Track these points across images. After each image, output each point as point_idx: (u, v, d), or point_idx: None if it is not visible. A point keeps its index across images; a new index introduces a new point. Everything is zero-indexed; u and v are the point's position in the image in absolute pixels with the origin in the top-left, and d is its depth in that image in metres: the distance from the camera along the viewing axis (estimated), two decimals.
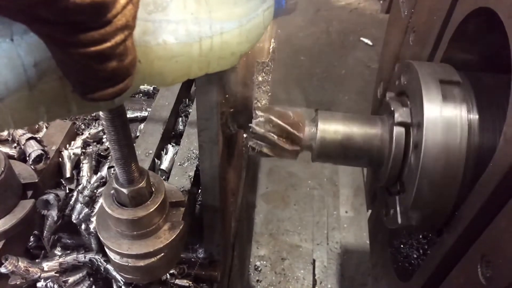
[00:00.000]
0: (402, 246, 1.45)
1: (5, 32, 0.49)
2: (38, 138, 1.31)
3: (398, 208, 1.13)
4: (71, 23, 0.42)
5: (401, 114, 1.11)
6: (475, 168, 0.98)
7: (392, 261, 1.45)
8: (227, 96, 1.06)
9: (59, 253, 1.27)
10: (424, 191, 1.01)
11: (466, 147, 0.98)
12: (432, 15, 1.32)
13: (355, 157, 1.14)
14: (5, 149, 1.30)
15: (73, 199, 1.29)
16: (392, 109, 1.13)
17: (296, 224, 2.79)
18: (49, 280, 1.21)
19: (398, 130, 1.09)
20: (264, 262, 2.58)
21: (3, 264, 1.11)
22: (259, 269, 2.54)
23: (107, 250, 1.01)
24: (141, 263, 0.99)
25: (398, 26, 1.73)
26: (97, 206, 1.25)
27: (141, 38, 0.56)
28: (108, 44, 0.46)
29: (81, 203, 1.26)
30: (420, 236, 1.41)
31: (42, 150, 1.26)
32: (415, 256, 1.39)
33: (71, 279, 1.21)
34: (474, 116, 1.01)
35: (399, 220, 1.12)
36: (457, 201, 1.00)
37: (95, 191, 1.30)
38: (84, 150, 1.43)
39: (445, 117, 0.99)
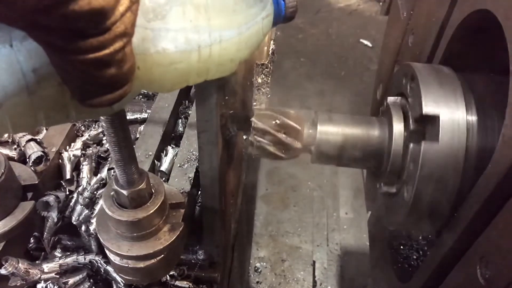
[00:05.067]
0: (401, 247, 1.45)
1: (4, 38, 0.49)
2: (38, 140, 1.31)
3: (397, 209, 1.13)
4: (70, 30, 0.43)
5: (400, 117, 1.11)
6: (474, 169, 0.98)
7: (391, 262, 1.45)
8: (226, 98, 1.07)
9: (59, 255, 1.27)
10: (422, 192, 1.01)
11: (465, 148, 0.98)
12: (430, 17, 1.33)
13: (354, 159, 1.15)
14: (5, 151, 1.31)
15: (73, 200, 1.30)
16: (391, 112, 1.13)
17: (296, 225, 2.79)
18: (49, 281, 1.21)
19: (397, 132, 1.09)
20: (264, 264, 2.58)
21: (3, 265, 1.11)
22: (259, 270, 2.55)
23: (107, 251, 1.01)
24: (141, 264, 0.99)
25: (397, 28, 1.73)
26: (97, 208, 1.25)
27: (140, 45, 0.57)
28: (107, 51, 0.46)
29: (81, 205, 1.26)
30: (420, 238, 1.41)
31: (42, 151, 1.27)
32: (414, 257, 1.40)
33: (71, 281, 1.22)
34: (473, 118, 1.01)
35: (398, 221, 1.12)
36: (456, 202, 1.01)
37: (95, 192, 1.30)
38: (84, 152, 1.43)
39: (444, 119, 1.00)
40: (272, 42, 1.11)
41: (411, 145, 1.06)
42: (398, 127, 1.11)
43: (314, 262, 2.60)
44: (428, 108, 1.01)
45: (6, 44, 0.49)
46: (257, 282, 2.49)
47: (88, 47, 0.44)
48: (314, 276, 2.54)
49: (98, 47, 0.45)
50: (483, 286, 0.83)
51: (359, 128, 1.13)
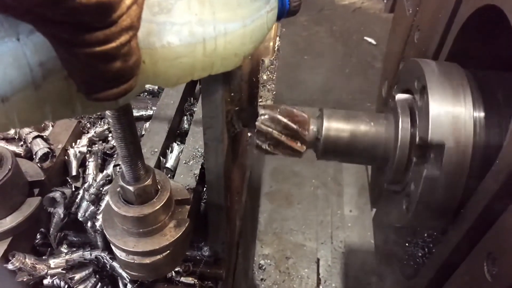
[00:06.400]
0: (407, 244, 1.45)
1: (11, 31, 0.49)
2: (45, 137, 1.32)
3: (403, 206, 1.13)
4: (76, 23, 0.43)
5: (406, 114, 1.10)
6: (481, 165, 0.97)
7: (397, 260, 1.45)
8: (232, 94, 1.06)
9: (66, 251, 1.28)
10: (429, 188, 1.01)
11: (472, 144, 0.98)
12: (437, 13, 1.32)
13: (360, 155, 1.14)
14: (12, 147, 1.31)
15: (79, 197, 1.30)
16: (397, 108, 1.12)
17: (300, 223, 2.78)
18: (56, 277, 1.22)
19: (404, 128, 1.09)
20: (268, 261, 2.58)
21: (10, 261, 1.12)
22: (263, 267, 2.55)
23: (113, 247, 1.02)
24: (147, 260, 0.99)
25: (403, 24, 1.72)
26: (102, 204, 1.26)
27: (145, 39, 0.57)
28: (113, 45, 0.46)
29: (87, 201, 1.27)
30: (425, 235, 1.41)
31: (48, 148, 1.27)
32: (420, 254, 1.39)
33: (77, 276, 1.22)
34: (480, 114, 1.00)
35: (404, 218, 1.12)
36: (463, 199, 1.00)
37: (101, 189, 1.31)
38: (90, 149, 1.44)
39: (450, 115, 0.99)
40: (278, 38, 1.10)
41: (417, 141, 1.05)
42: (404, 125, 1.10)
43: (318, 259, 2.60)
44: (435, 106, 1.00)
45: (13, 38, 0.49)
46: (262, 279, 2.49)
47: (94, 40, 0.44)
48: (318, 274, 2.53)
49: (104, 40, 0.45)
50: (490, 283, 0.82)
51: (365, 125, 1.13)
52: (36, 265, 1.18)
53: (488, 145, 0.98)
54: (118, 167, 1.32)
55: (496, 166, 0.86)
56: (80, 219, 1.26)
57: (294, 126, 1.06)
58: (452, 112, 0.99)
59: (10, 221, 1.13)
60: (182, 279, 1.27)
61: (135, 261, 0.99)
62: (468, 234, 0.95)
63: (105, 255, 1.24)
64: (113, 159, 1.43)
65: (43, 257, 1.25)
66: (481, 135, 0.98)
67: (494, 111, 1.00)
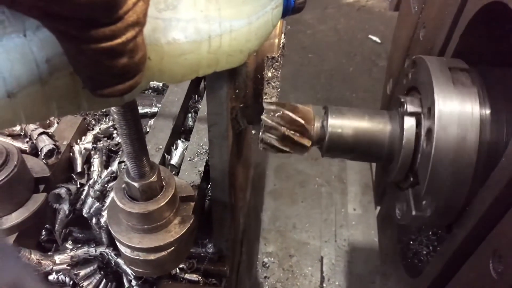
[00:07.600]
0: (411, 242, 1.44)
1: (18, 27, 0.50)
2: (50, 133, 1.32)
3: (409, 203, 1.13)
4: (83, 19, 0.43)
5: (412, 106, 1.09)
6: (487, 162, 0.97)
7: (401, 258, 1.44)
8: (237, 91, 1.06)
9: (70, 247, 1.29)
10: (435, 185, 1.00)
11: (478, 142, 0.97)
12: (443, 10, 1.31)
13: (365, 152, 1.14)
14: (18, 144, 1.32)
15: (84, 193, 1.31)
16: (402, 101, 1.11)
17: (304, 221, 2.78)
18: (61, 273, 1.23)
19: (409, 123, 1.08)
20: (272, 259, 2.59)
21: None
22: (267, 265, 2.55)
23: (118, 243, 1.02)
24: (152, 256, 1.00)
25: (408, 22, 1.71)
26: (107, 201, 1.27)
27: (151, 36, 0.57)
28: (119, 40, 0.46)
29: (92, 197, 1.28)
30: (430, 233, 1.40)
31: (53, 144, 1.28)
32: (424, 252, 1.39)
33: (82, 272, 1.23)
34: (487, 111, 1.00)
35: (410, 215, 1.11)
36: (468, 196, 0.99)
37: (105, 185, 1.31)
38: (94, 145, 1.44)
39: (456, 112, 0.99)
40: (283, 35, 1.10)
41: (423, 138, 1.05)
42: (410, 121, 1.09)
43: (322, 257, 2.60)
44: (440, 103, 1.00)
45: (20, 34, 0.49)
46: (265, 277, 2.49)
47: (101, 36, 0.45)
48: (322, 272, 2.53)
49: (111, 36, 0.45)
50: (495, 280, 0.82)
51: (370, 122, 1.12)
52: (42, 261, 1.19)
53: (494, 142, 0.97)
54: (123, 164, 1.32)
55: (502, 163, 0.86)
56: (85, 215, 1.27)
57: (300, 121, 1.05)
58: (458, 109, 0.98)
59: (15, 217, 1.14)
60: (186, 276, 1.28)
61: (140, 258, 1.00)
62: (474, 232, 0.94)
63: (110, 251, 1.25)
64: (118, 155, 1.43)
65: (48, 253, 1.26)
66: (487, 132, 0.98)
67: (501, 108, 1.00)
